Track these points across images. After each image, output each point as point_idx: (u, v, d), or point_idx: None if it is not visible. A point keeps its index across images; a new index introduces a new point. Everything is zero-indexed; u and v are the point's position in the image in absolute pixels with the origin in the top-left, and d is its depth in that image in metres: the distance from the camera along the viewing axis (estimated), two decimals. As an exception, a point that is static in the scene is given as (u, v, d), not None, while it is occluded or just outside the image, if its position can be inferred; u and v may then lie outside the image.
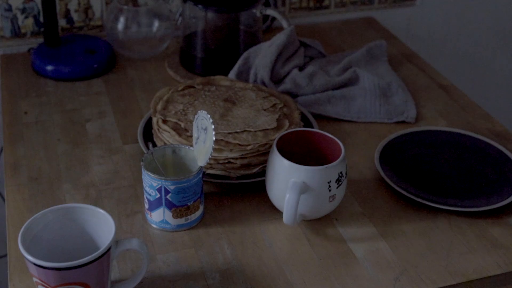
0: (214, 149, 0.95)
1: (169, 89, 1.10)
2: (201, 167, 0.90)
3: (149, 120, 1.09)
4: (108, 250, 0.74)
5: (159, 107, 1.05)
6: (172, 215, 0.90)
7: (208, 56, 1.30)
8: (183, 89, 1.10)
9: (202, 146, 0.89)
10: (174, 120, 1.02)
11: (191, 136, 0.98)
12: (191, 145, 0.94)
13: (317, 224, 0.94)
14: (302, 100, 1.18)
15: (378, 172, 1.03)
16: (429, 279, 0.86)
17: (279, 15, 1.28)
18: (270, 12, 1.28)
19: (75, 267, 0.71)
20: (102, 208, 0.79)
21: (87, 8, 1.39)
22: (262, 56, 1.21)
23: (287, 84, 1.20)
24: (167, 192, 0.88)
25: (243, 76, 1.23)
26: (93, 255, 0.72)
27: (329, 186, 0.89)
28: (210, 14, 1.27)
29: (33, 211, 0.93)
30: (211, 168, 0.98)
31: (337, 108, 1.18)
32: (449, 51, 1.73)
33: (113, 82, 1.27)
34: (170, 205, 0.89)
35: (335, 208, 0.93)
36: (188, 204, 0.90)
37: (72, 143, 1.09)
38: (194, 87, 1.11)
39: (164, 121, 1.02)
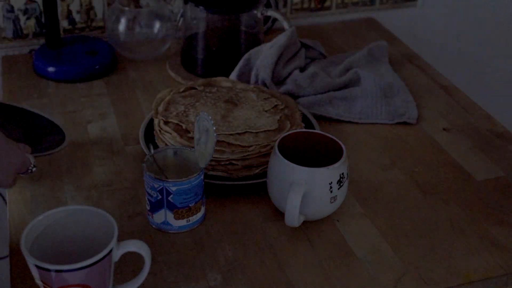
0: (216, 151, 0.95)
1: (170, 90, 1.10)
2: (202, 169, 0.90)
3: (151, 122, 1.09)
4: (110, 252, 0.74)
5: (160, 108, 1.05)
6: (174, 217, 0.90)
7: (209, 57, 1.30)
8: (184, 90, 1.11)
9: (203, 148, 0.89)
10: (175, 121, 1.02)
11: (192, 137, 0.98)
12: (193, 147, 0.94)
13: (319, 225, 0.94)
14: (303, 101, 1.18)
15: (380, 173, 1.03)
16: (431, 280, 0.86)
17: (280, 16, 1.28)
18: (271, 13, 1.29)
19: (77, 269, 0.71)
20: (104, 209, 0.79)
21: (89, 9, 1.39)
22: (263, 57, 1.21)
23: (288, 85, 1.20)
24: (168, 193, 0.88)
25: (244, 77, 1.23)
26: (94, 257, 0.72)
27: (331, 187, 0.89)
28: (211, 16, 1.27)
29: (34, 213, 0.93)
30: (213, 169, 0.98)
31: (338, 109, 1.18)
32: (450, 51, 1.73)
33: (115, 84, 1.27)
34: (171, 207, 0.89)
35: (336, 209, 0.94)
36: (190, 205, 0.90)
37: (73, 144, 1.09)
38: (195, 88, 1.11)
39: (166, 123, 1.02)
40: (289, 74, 1.24)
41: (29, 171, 0.82)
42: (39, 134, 0.96)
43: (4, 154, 0.75)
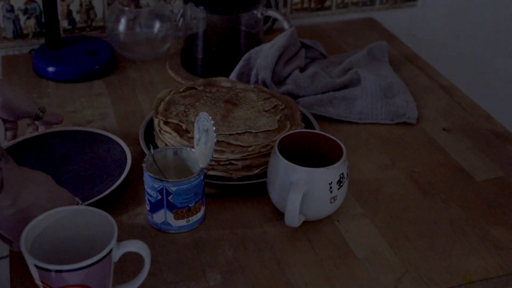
0: (215, 151, 0.95)
1: (170, 91, 1.10)
2: (202, 169, 0.90)
3: (151, 122, 1.09)
4: (110, 252, 0.74)
5: (160, 108, 1.05)
6: (174, 217, 0.90)
7: (209, 57, 1.30)
8: (184, 91, 1.11)
9: (203, 148, 0.89)
10: (175, 121, 1.02)
11: (192, 137, 0.98)
12: (193, 147, 0.94)
13: (319, 225, 0.94)
14: (303, 101, 1.18)
15: (379, 173, 1.03)
16: (431, 280, 0.86)
17: (280, 16, 1.28)
18: (271, 13, 1.28)
19: (77, 269, 0.71)
20: (104, 209, 0.79)
21: (89, 9, 1.39)
22: (263, 57, 1.21)
23: (288, 85, 1.20)
24: (168, 193, 0.88)
25: (244, 77, 1.23)
26: (94, 257, 0.72)
27: (330, 188, 0.89)
28: (211, 15, 1.27)
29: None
30: (213, 169, 0.98)
31: (338, 109, 1.18)
32: (450, 51, 1.73)
33: (114, 84, 1.27)
34: (171, 207, 0.89)
35: (336, 209, 0.94)
36: (190, 205, 0.90)
37: (73, 144, 1.09)
38: (195, 88, 1.11)
39: (166, 123, 1.02)
40: (289, 74, 1.24)
41: None
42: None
43: (55, 194, 0.82)
